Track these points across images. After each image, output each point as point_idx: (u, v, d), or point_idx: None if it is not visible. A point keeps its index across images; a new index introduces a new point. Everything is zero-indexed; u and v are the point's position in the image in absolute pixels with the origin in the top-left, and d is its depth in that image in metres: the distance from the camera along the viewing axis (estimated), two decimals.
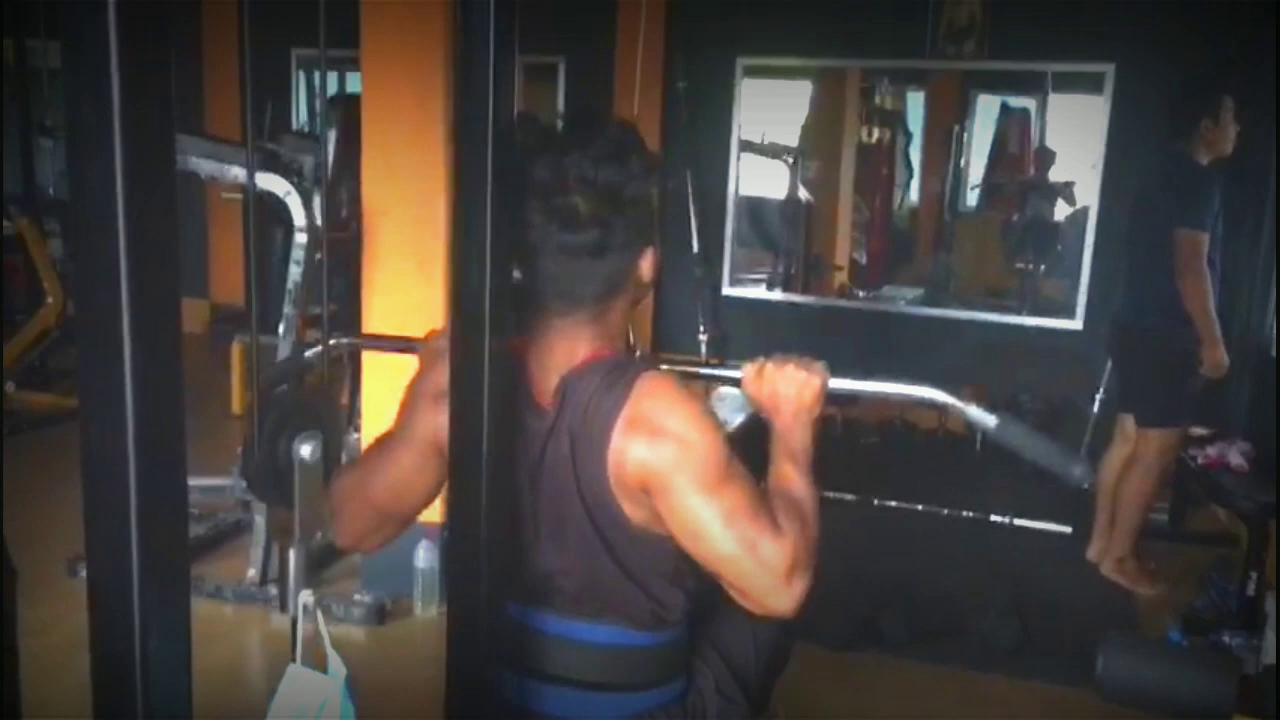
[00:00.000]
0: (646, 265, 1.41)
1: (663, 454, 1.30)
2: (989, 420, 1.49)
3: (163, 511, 0.76)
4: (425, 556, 3.12)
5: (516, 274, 1.37)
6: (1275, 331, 4.26)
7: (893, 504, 4.32)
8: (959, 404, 1.52)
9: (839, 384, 1.50)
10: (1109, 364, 4.25)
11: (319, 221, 3.06)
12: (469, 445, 1.17)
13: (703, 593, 1.47)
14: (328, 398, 1.22)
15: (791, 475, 1.44)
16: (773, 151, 6.33)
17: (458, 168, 1.15)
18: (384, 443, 1.51)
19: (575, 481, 1.35)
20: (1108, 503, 3.74)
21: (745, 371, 1.49)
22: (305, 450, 1.17)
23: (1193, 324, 3.38)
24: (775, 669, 1.72)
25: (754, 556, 1.31)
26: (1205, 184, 3.38)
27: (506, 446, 1.25)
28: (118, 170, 0.70)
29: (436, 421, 1.36)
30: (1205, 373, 3.44)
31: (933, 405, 1.56)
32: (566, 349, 1.39)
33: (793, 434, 1.46)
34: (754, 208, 6.27)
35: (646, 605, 1.42)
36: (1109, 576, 3.63)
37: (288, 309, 3.09)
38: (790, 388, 1.46)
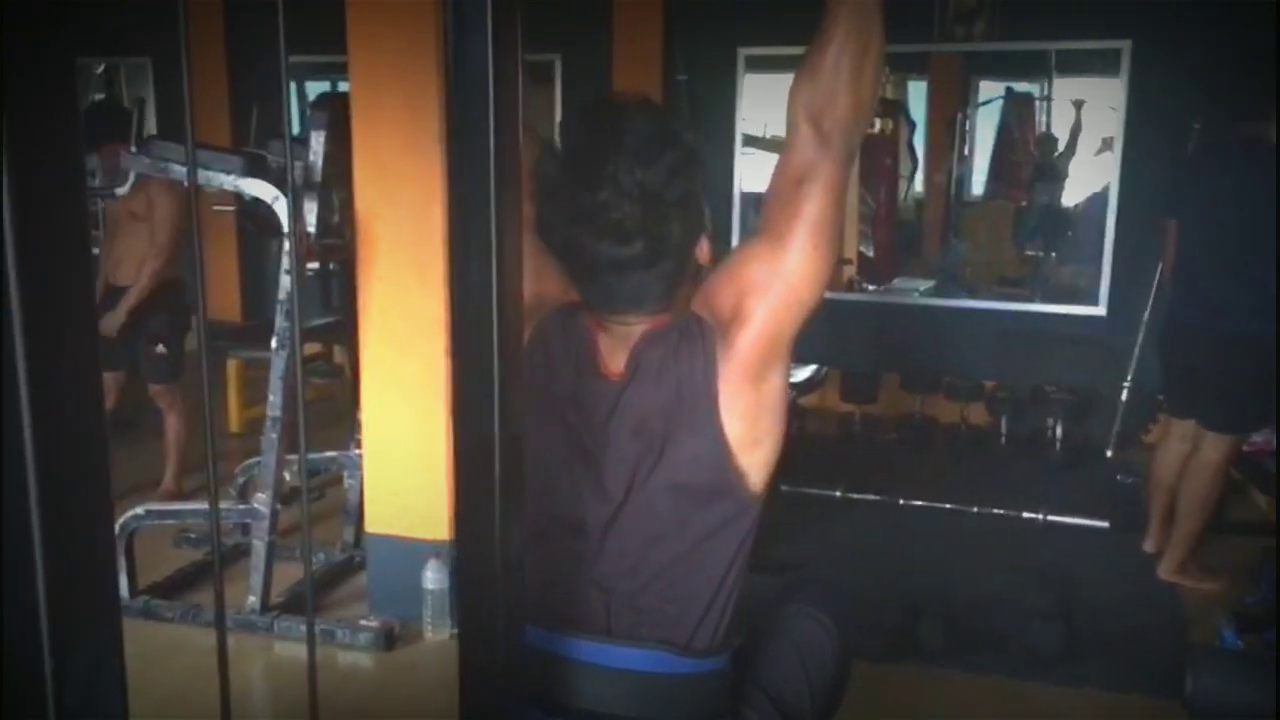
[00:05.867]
0: (703, 254, 1.38)
1: (760, 303, 1.28)
2: None
3: (77, 534, 0.60)
4: (434, 577, 2.95)
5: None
6: None
7: (919, 503, 4.15)
8: None
9: None
10: (1133, 354, 4.04)
11: (310, 228, 2.89)
12: (478, 459, 1.02)
13: (750, 629, 1.32)
14: None
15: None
16: (776, 146, 6.17)
17: (453, 168, 1.01)
18: None
19: (661, 435, 1.29)
20: (1164, 499, 3.57)
21: None
22: None
23: None
24: (829, 713, 1.55)
25: (818, 189, 1.26)
26: None
27: (520, 458, 1.09)
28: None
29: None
30: None
31: None
32: (632, 330, 1.36)
33: None
34: (759, 204, 6.09)
35: (696, 610, 1.30)
36: (1169, 579, 3.44)
37: (280, 321, 2.92)
38: None
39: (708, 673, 1.32)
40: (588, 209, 1.27)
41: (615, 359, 1.33)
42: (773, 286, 1.27)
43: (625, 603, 1.30)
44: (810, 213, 1.25)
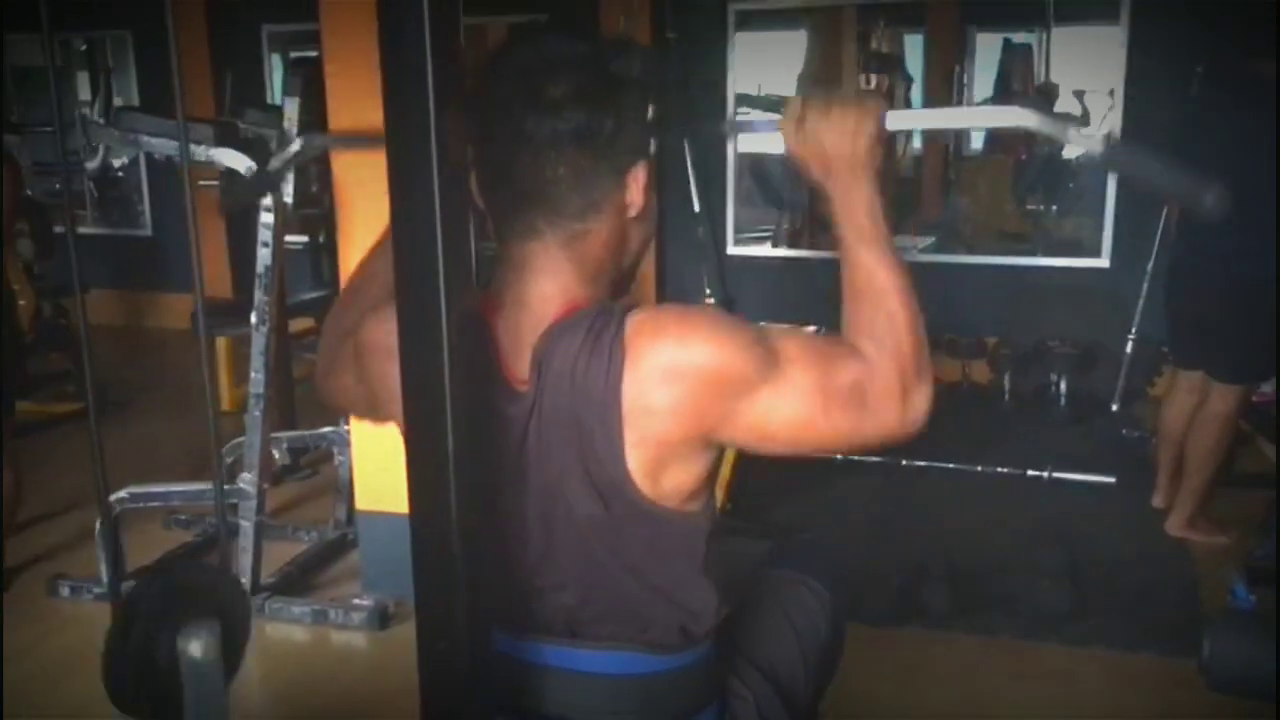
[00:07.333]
0: (635, 186, 1.16)
1: (696, 389, 1.07)
2: (1095, 144, 1.24)
3: None
4: None
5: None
6: None
7: (921, 463, 4.07)
8: (1054, 123, 1.29)
9: (900, 120, 1.23)
10: (1137, 306, 3.94)
11: (287, 198, 2.81)
12: (432, 458, 0.98)
13: (736, 598, 1.24)
14: (225, 570, 0.89)
15: (863, 260, 1.15)
16: (770, 104, 6.05)
17: (390, 134, 0.93)
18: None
19: (574, 470, 1.11)
20: (1172, 452, 3.49)
21: (784, 121, 1.20)
22: (196, 646, 0.84)
23: None
24: (825, 679, 1.48)
25: (853, 413, 1.10)
26: None
27: (474, 448, 1.02)
28: None
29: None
30: None
31: (1023, 128, 1.35)
32: (538, 299, 1.14)
33: (852, 198, 1.16)
34: (754, 164, 6.01)
35: (672, 617, 1.18)
36: (1178, 535, 3.37)
37: (259, 295, 2.84)
38: (840, 139, 1.16)
39: (684, 667, 1.22)
40: (519, 71, 1.10)
41: (519, 360, 1.13)
42: (738, 409, 1.08)
43: (582, 619, 1.19)
44: (840, 388, 1.10)
